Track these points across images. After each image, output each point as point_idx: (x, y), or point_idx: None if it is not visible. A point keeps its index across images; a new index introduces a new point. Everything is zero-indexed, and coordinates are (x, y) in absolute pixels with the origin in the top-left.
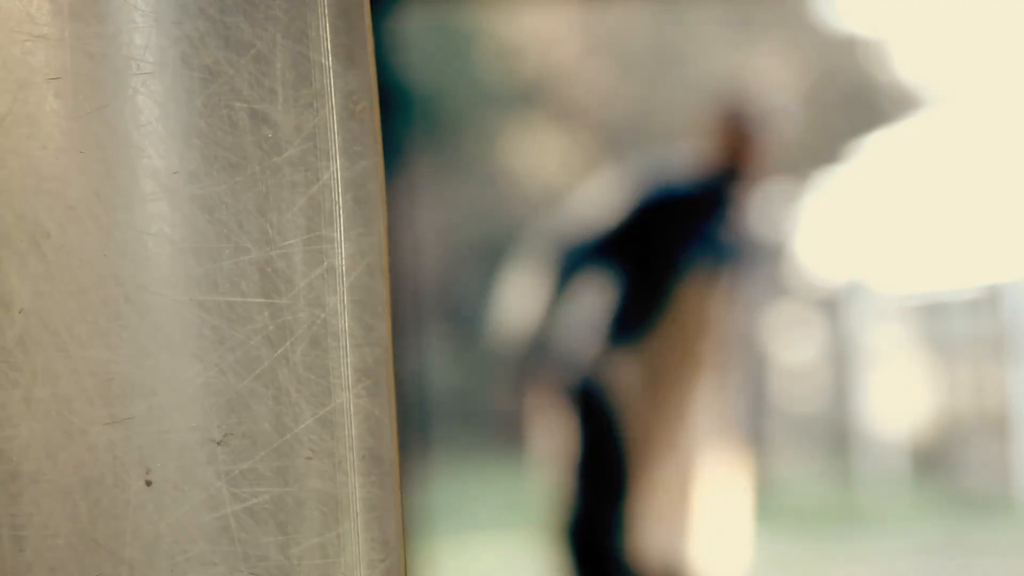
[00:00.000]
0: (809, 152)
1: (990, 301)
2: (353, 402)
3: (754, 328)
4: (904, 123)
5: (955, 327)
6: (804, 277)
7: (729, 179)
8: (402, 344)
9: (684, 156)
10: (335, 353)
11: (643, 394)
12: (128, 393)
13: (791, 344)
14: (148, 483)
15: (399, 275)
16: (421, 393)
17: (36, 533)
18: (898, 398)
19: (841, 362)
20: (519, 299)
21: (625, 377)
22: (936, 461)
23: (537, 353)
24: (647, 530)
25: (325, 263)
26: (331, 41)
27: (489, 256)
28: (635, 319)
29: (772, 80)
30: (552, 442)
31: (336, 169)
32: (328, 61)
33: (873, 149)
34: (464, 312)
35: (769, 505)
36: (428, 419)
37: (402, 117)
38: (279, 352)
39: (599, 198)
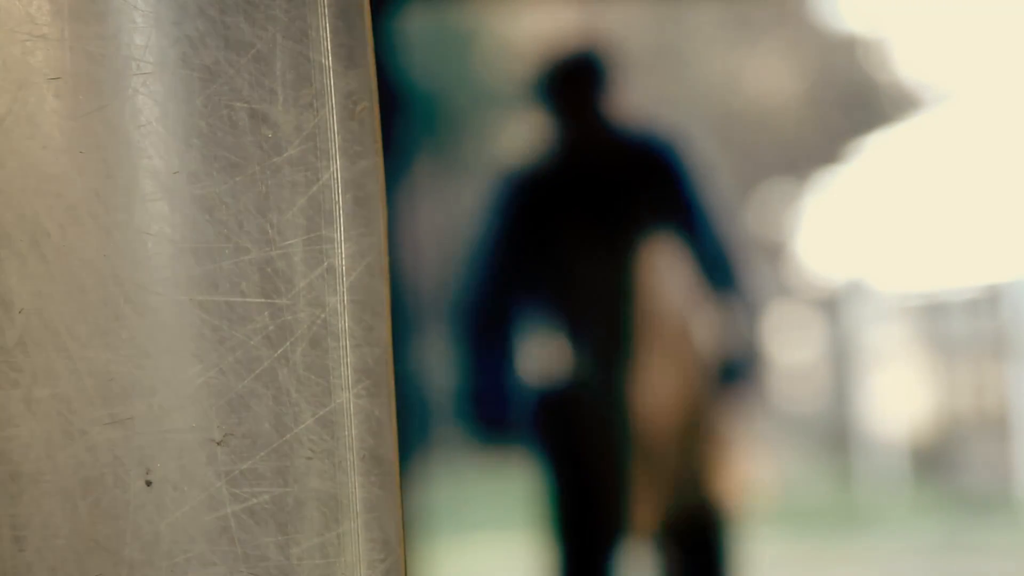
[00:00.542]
0: (809, 152)
1: (990, 301)
2: (353, 402)
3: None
4: (904, 123)
5: (955, 327)
6: (804, 277)
7: (582, 137)
8: (402, 344)
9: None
10: (335, 353)
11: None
12: (128, 393)
13: (791, 344)
14: (148, 483)
15: (399, 275)
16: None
17: (36, 533)
18: (898, 398)
19: (841, 362)
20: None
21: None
22: (936, 461)
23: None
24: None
25: (325, 263)
26: (331, 41)
27: None
28: (590, 312)
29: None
30: (547, 444)
31: (336, 169)
32: (328, 61)
33: (873, 149)
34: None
35: (769, 505)
36: (428, 419)
37: (402, 117)
38: (279, 352)
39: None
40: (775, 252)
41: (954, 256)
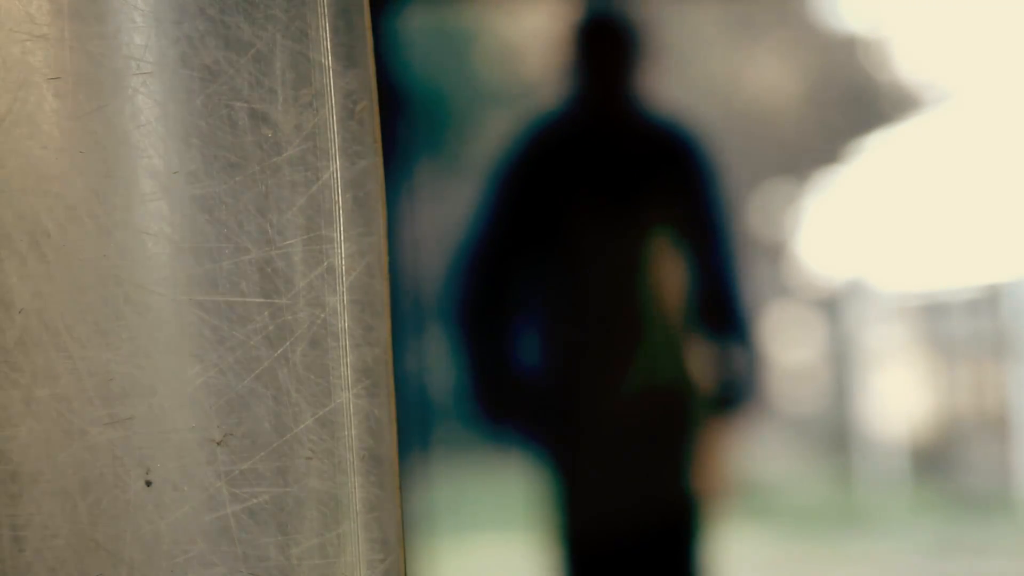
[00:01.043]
0: (809, 152)
1: (990, 301)
2: (353, 402)
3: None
4: (904, 123)
5: (955, 327)
6: (804, 277)
7: (604, 102)
8: (402, 344)
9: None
10: (335, 353)
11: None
12: (128, 393)
13: (791, 344)
14: (148, 483)
15: (399, 275)
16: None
17: (36, 533)
18: (898, 398)
19: (841, 362)
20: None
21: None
22: (936, 461)
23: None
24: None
25: (325, 263)
26: (331, 41)
27: None
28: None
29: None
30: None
31: (336, 169)
32: (328, 61)
33: (873, 149)
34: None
35: (769, 505)
36: (428, 419)
37: (402, 117)
38: (279, 352)
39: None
40: (775, 252)
41: (954, 256)
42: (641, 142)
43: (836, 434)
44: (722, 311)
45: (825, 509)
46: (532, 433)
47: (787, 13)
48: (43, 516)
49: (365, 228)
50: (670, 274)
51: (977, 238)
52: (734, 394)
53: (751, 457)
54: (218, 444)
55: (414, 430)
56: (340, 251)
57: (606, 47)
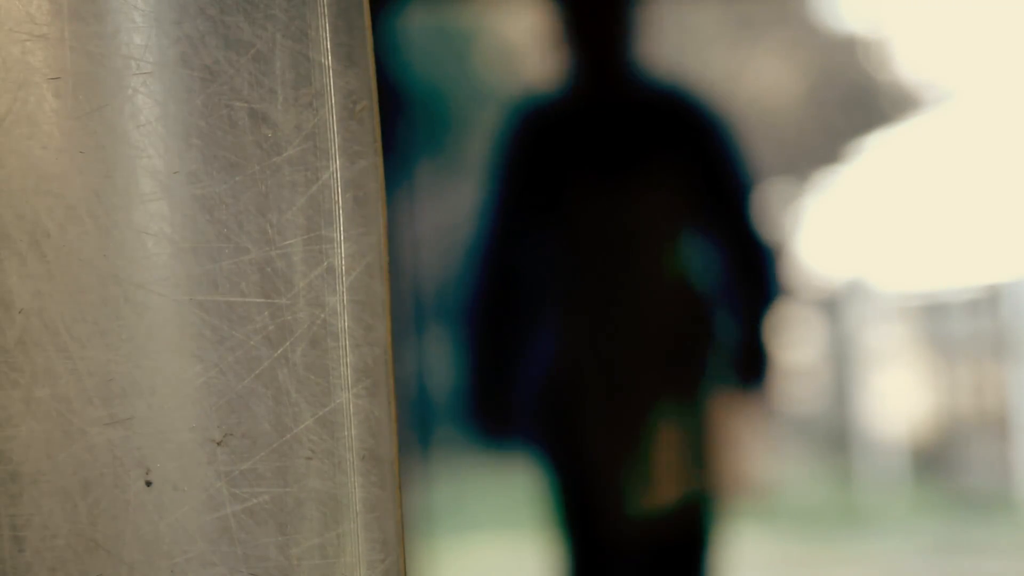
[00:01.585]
0: (809, 152)
1: (990, 301)
2: (353, 402)
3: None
4: (904, 123)
5: (955, 327)
6: (804, 277)
7: (601, 72)
8: (402, 344)
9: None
10: (335, 353)
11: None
12: (128, 393)
13: (791, 344)
14: (148, 483)
15: (399, 275)
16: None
17: (36, 533)
18: (898, 398)
19: (841, 362)
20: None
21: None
22: (936, 461)
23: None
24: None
25: (325, 263)
26: (331, 41)
27: None
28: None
29: (772, 80)
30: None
31: (336, 169)
32: (328, 61)
33: (873, 149)
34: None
35: (768, 505)
36: (428, 419)
37: (402, 117)
38: (279, 352)
39: None
40: (775, 252)
41: (954, 256)
42: (645, 110)
43: (836, 434)
44: (753, 281)
45: (825, 509)
46: (536, 438)
47: (787, 13)
48: (43, 516)
49: (365, 228)
50: (688, 251)
51: (977, 238)
52: (751, 376)
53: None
54: (218, 444)
55: (414, 430)
56: (340, 251)
57: (599, 15)
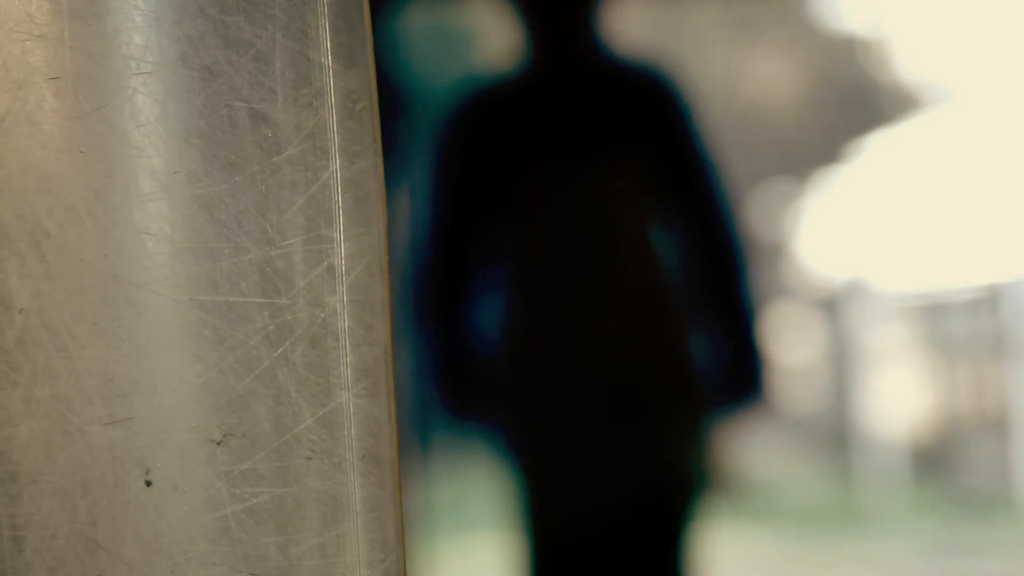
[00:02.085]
0: (809, 152)
1: (990, 301)
2: (353, 402)
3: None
4: (904, 123)
5: (955, 327)
6: (804, 277)
7: (568, 54)
8: (402, 344)
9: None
10: (335, 353)
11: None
12: (128, 393)
13: (791, 344)
14: (148, 483)
15: (399, 275)
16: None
17: (36, 533)
18: (898, 398)
19: (841, 362)
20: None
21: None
22: (936, 461)
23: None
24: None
25: (325, 263)
26: (331, 41)
27: None
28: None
29: (772, 80)
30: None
31: (336, 169)
32: (328, 61)
33: (873, 149)
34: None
35: (768, 505)
36: (428, 419)
37: (402, 117)
38: (279, 352)
39: None
40: (775, 252)
41: (954, 256)
42: (605, 87)
43: (836, 434)
44: (721, 268)
45: (825, 509)
46: (496, 424)
47: (787, 13)
48: (43, 516)
49: (365, 228)
50: (652, 232)
51: (977, 238)
52: (733, 383)
53: (749, 456)
54: (218, 444)
55: (414, 430)
56: (340, 251)
57: None
